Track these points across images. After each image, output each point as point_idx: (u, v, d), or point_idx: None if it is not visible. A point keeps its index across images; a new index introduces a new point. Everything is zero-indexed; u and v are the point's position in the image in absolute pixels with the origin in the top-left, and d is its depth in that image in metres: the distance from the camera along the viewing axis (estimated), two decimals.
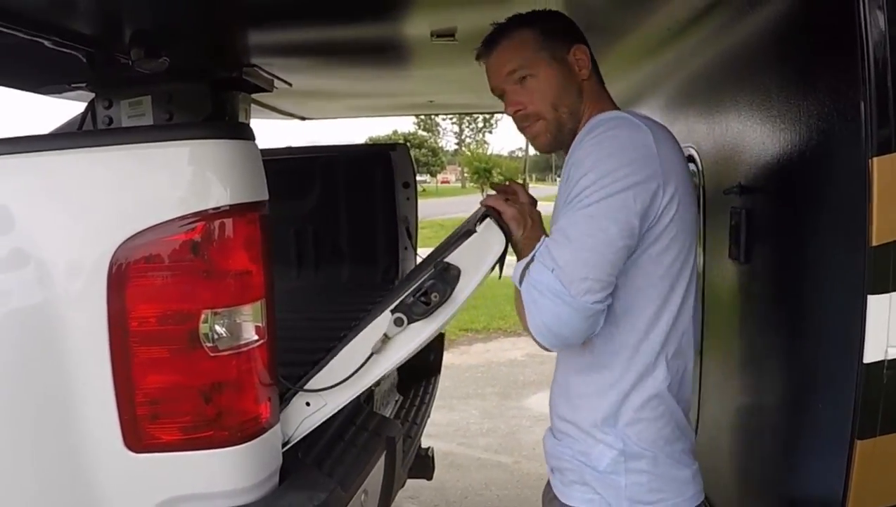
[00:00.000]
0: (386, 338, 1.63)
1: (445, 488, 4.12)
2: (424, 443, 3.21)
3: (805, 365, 1.69)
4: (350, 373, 1.65)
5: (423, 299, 1.59)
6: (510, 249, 1.60)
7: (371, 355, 1.63)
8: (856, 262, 1.41)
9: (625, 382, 1.52)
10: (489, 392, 6.05)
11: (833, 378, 1.53)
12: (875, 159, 1.36)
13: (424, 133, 72.02)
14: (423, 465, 3.12)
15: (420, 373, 3.25)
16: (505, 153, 78.79)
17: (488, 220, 1.57)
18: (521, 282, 1.51)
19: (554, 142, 1.65)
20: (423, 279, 1.59)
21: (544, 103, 1.62)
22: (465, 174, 62.61)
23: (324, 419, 1.70)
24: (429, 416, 3.03)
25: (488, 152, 64.42)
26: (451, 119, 76.84)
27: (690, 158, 2.35)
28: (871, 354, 1.40)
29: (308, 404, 1.69)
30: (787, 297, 1.77)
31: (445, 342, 3.54)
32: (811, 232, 1.64)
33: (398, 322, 1.61)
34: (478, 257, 1.59)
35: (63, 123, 2.99)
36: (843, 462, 1.46)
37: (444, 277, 1.58)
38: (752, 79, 1.94)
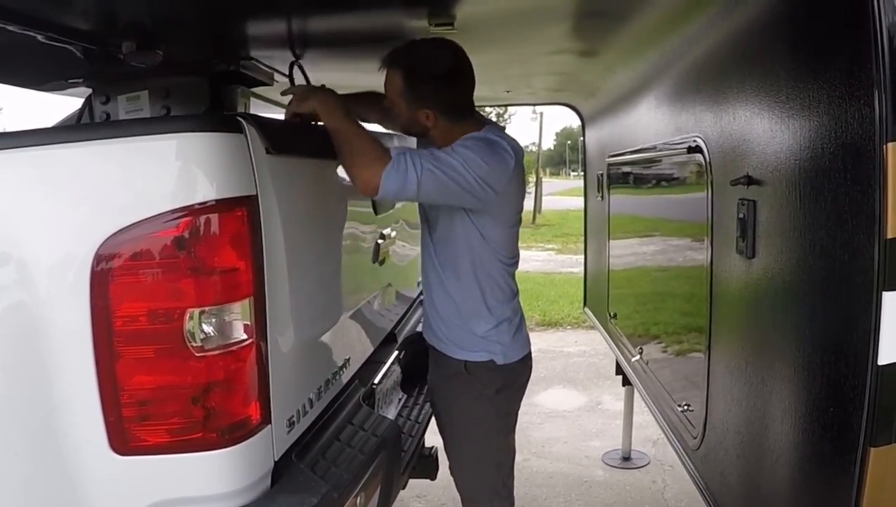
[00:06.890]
0: None
1: (453, 486, 4.04)
2: (433, 440, 3.16)
3: (815, 367, 1.61)
4: None
5: None
6: None
7: None
8: (869, 256, 1.33)
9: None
10: None
11: (845, 381, 1.45)
12: (889, 146, 1.28)
13: None
14: (427, 465, 3.07)
15: (424, 371, 3.19)
16: None
17: None
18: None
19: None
20: None
21: None
22: None
23: None
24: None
25: None
26: None
27: (697, 149, 2.27)
28: (886, 355, 1.33)
29: None
30: (796, 294, 1.69)
31: None
32: (821, 224, 1.56)
33: None
34: None
35: (60, 119, 2.95)
36: (855, 471, 1.38)
37: None
38: (759, 63, 1.86)
